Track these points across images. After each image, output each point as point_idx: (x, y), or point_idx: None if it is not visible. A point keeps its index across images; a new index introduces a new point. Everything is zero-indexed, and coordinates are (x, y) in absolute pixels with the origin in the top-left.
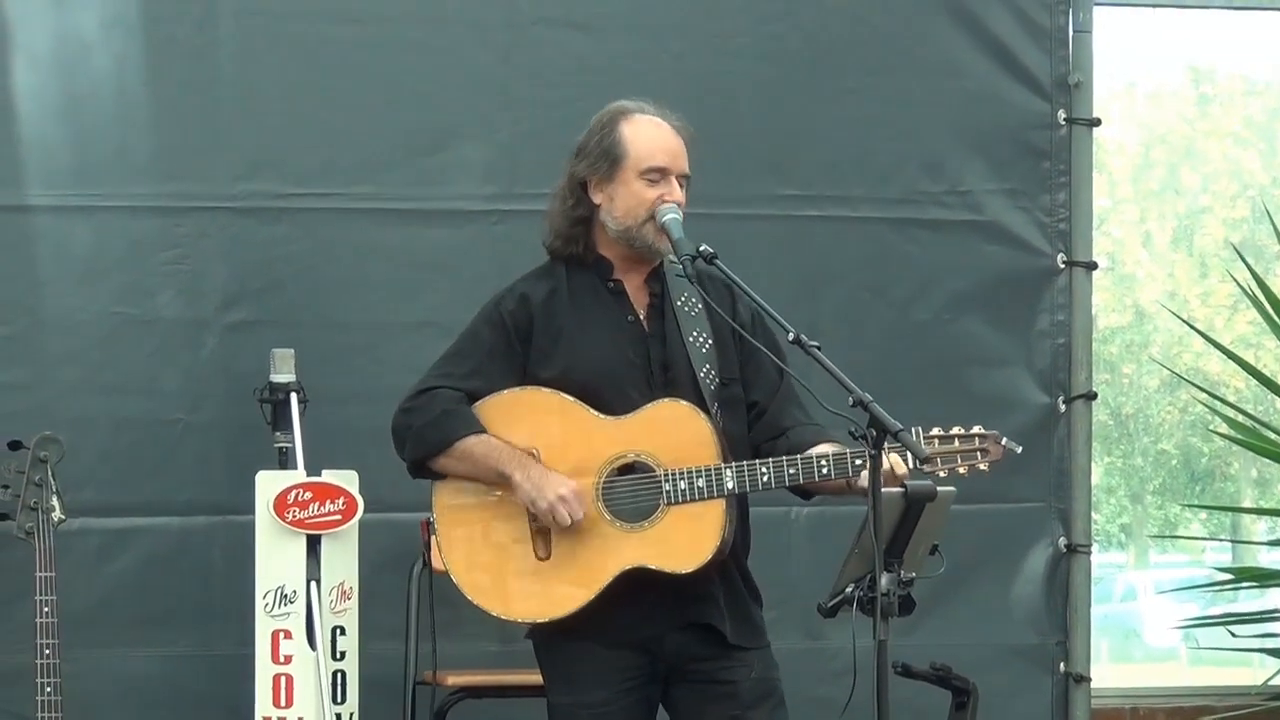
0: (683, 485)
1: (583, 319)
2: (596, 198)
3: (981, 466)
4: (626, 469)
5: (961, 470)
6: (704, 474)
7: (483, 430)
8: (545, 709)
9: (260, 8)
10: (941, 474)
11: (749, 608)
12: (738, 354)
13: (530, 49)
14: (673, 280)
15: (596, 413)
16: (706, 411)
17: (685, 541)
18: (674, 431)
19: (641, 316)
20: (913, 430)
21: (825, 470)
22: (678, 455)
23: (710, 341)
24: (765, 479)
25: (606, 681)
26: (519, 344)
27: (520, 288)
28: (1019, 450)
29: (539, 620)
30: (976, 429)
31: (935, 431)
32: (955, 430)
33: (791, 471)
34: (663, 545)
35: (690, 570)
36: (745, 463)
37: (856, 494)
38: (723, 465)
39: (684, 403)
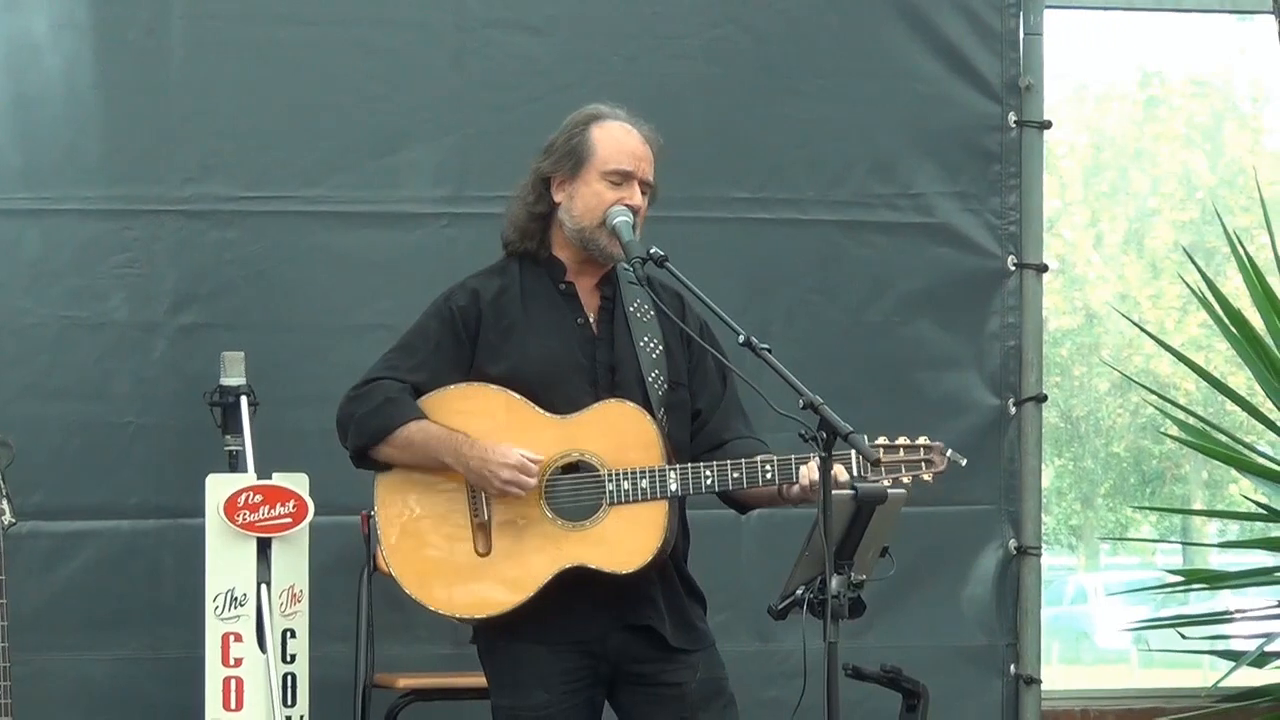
0: (626, 486)
1: (532, 318)
2: (558, 196)
3: (926, 477)
4: (570, 468)
5: (906, 480)
6: (648, 475)
7: (421, 415)
8: (489, 714)
9: (211, 11)
10: (885, 483)
11: (689, 610)
12: (686, 362)
13: (481, 52)
14: (625, 286)
15: (542, 411)
16: (653, 414)
17: (626, 542)
18: (619, 432)
19: (591, 320)
20: (872, 446)
21: (769, 474)
22: (622, 456)
23: (661, 347)
24: (709, 482)
25: (548, 684)
26: (467, 340)
27: (471, 284)
28: (964, 463)
29: (478, 617)
30: (922, 440)
31: (881, 441)
32: (901, 440)
33: (735, 475)
34: (603, 545)
35: (630, 571)
36: (689, 465)
37: (789, 504)
38: (667, 467)
39: (630, 404)
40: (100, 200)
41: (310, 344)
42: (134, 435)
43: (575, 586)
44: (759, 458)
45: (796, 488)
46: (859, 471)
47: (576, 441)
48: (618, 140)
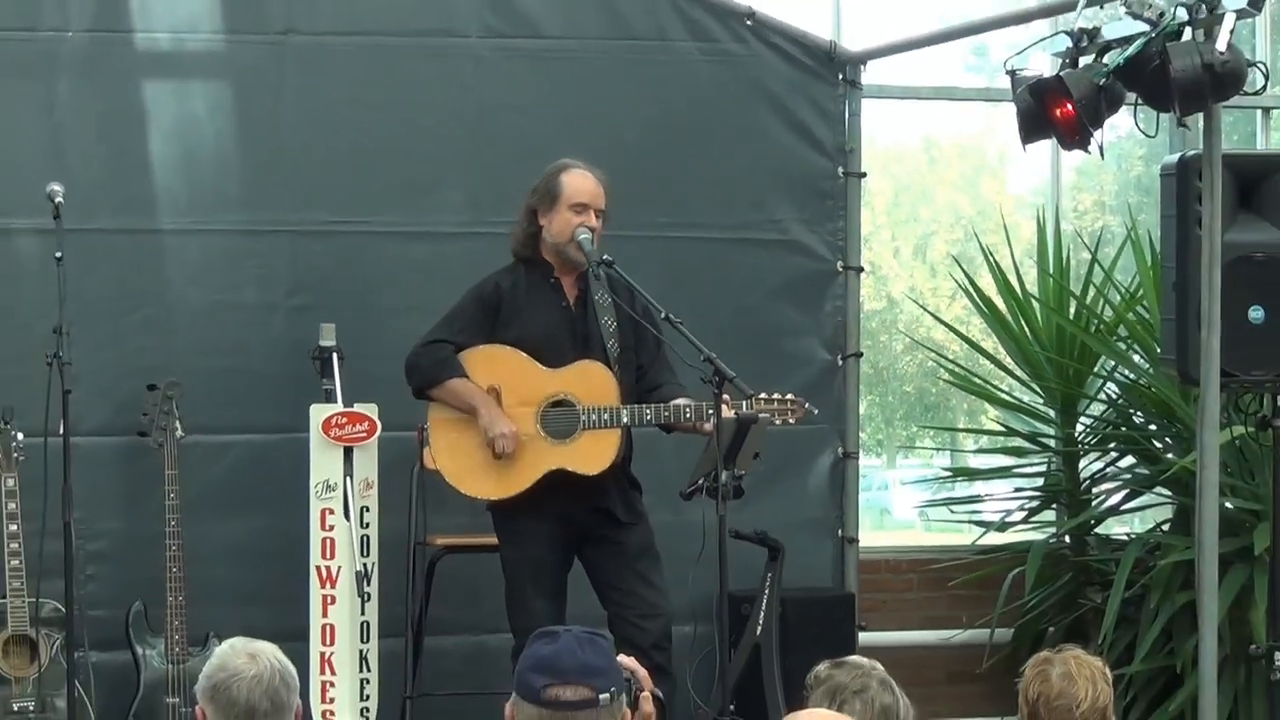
0: (594, 417)
1: (532, 302)
2: (542, 221)
3: (790, 420)
4: (558, 403)
5: (776, 421)
6: (609, 411)
7: (464, 374)
8: (499, 561)
9: (312, 99)
10: (763, 415)
11: (631, 496)
12: (633, 334)
13: (491, 124)
14: (593, 282)
15: (539, 364)
16: (611, 369)
17: (594, 453)
18: (590, 381)
19: (570, 304)
20: (749, 389)
21: (688, 415)
22: (592, 397)
23: (615, 324)
24: (648, 418)
25: (540, 543)
26: (491, 315)
27: (494, 278)
28: (815, 412)
29: (494, 498)
30: (790, 396)
31: (762, 395)
32: (775, 395)
33: (666, 414)
34: (578, 455)
35: (596, 472)
36: (636, 406)
37: (697, 432)
38: (621, 407)
39: (598, 363)
40: (239, 223)
41: (379, 318)
42: (262, 378)
43: (559, 481)
44: (682, 402)
45: (706, 425)
46: (747, 408)
47: (562, 385)
48: (579, 182)
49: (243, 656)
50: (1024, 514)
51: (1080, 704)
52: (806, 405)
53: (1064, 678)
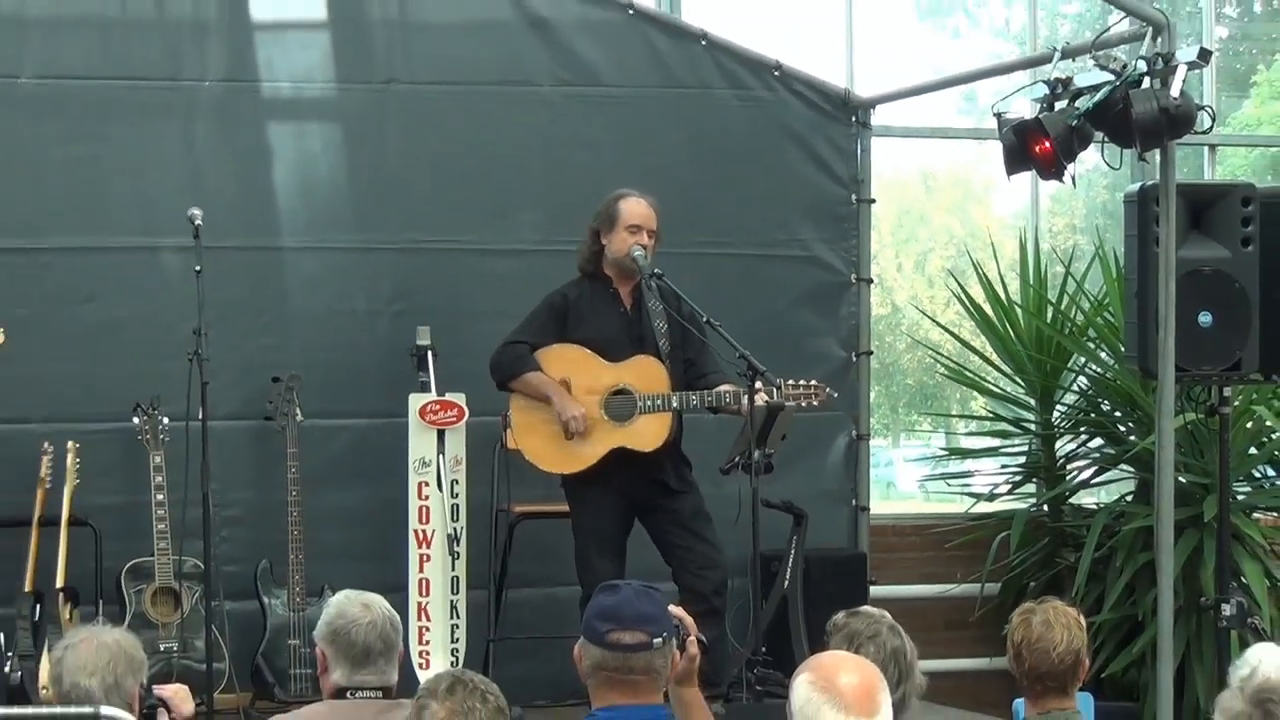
0: (649, 402)
1: (595, 309)
2: (603, 240)
3: (815, 403)
4: (618, 392)
5: (803, 404)
6: (662, 397)
7: (538, 369)
8: (570, 528)
9: (411, 137)
10: (789, 403)
11: (683, 469)
12: (680, 334)
13: (559, 160)
14: (646, 292)
15: (603, 359)
16: (664, 363)
17: (650, 433)
18: (646, 373)
19: (628, 310)
20: (776, 379)
21: (727, 400)
22: (647, 386)
23: (665, 327)
24: (694, 402)
25: (604, 510)
26: (561, 320)
27: (564, 289)
28: (835, 396)
29: (565, 472)
30: (814, 382)
31: (790, 381)
32: (802, 381)
33: (709, 398)
34: (637, 435)
35: (652, 449)
36: (685, 393)
37: (737, 414)
38: (671, 394)
39: (652, 358)
40: (349, 242)
41: (466, 322)
42: (368, 372)
43: (620, 457)
44: (723, 388)
45: (742, 407)
46: (776, 397)
47: (621, 377)
48: (633, 208)
49: (357, 606)
50: (1009, 487)
51: (1057, 646)
52: (827, 390)
53: (1044, 624)
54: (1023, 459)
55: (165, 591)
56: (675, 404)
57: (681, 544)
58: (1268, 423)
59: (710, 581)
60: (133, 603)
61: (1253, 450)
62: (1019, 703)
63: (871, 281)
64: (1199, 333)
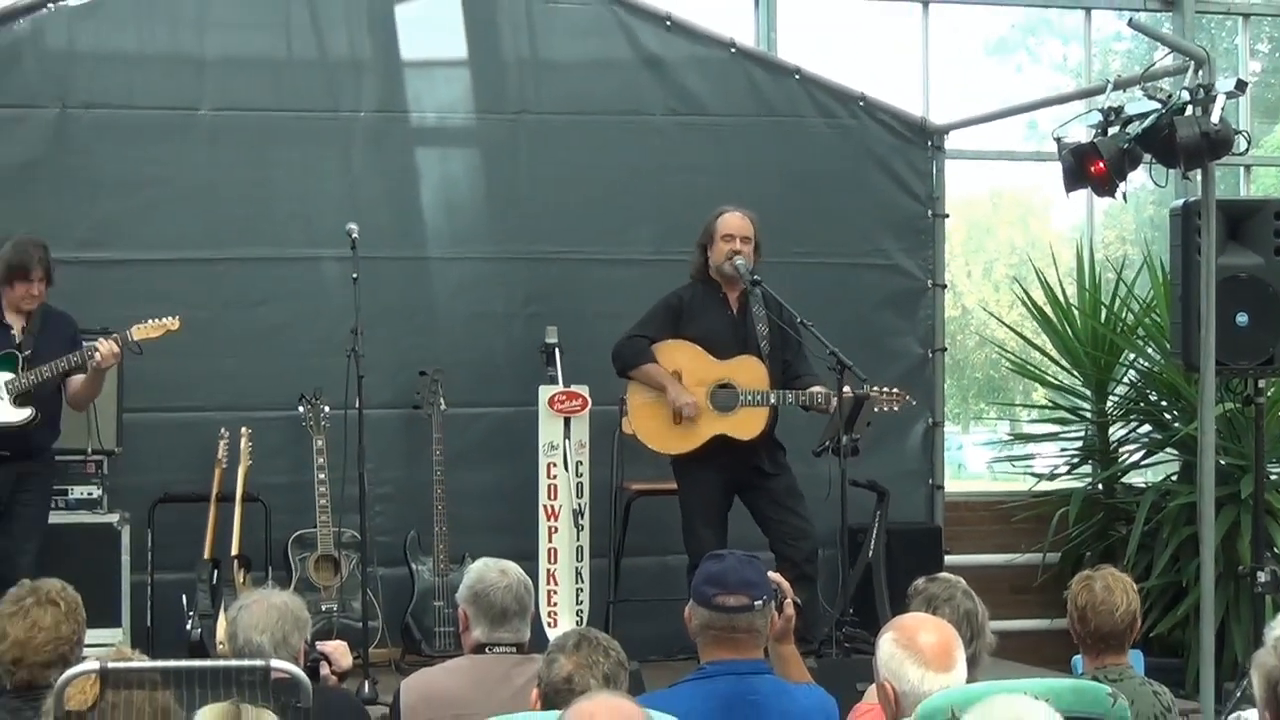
0: (750, 397)
1: (705, 310)
2: (708, 253)
3: (895, 407)
4: (724, 385)
5: (885, 408)
6: (762, 394)
7: (654, 360)
8: (678, 503)
9: (541, 161)
10: (874, 394)
11: (777, 454)
12: (780, 336)
13: (671, 180)
14: (751, 297)
15: (711, 356)
16: (764, 362)
17: (749, 423)
18: (748, 370)
19: (734, 312)
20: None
21: (819, 400)
22: (749, 382)
23: (767, 330)
24: (789, 401)
25: (708, 487)
26: (675, 319)
27: (678, 292)
28: (914, 403)
29: (675, 453)
30: (896, 389)
31: (876, 386)
32: (885, 387)
33: (803, 398)
34: (738, 424)
35: (749, 438)
36: (782, 390)
37: (827, 410)
38: (770, 390)
39: (755, 357)
40: (487, 253)
41: (589, 323)
42: (503, 367)
43: (722, 443)
44: (816, 389)
45: (832, 406)
46: (863, 389)
47: (727, 372)
48: (728, 219)
49: (495, 571)
50: (1067, 468)
51: (1118, 608)
52: (908, 397)
53: (1105, 589)
54: (1079, 443)
55: (326, 559)
56: (773, 400)
57: (776, 518)
58: None
59: (802, 550)
60: (298, 568)
61: None
62: (1077, 659)
63: (945, 287)
64: (1236, 332)
